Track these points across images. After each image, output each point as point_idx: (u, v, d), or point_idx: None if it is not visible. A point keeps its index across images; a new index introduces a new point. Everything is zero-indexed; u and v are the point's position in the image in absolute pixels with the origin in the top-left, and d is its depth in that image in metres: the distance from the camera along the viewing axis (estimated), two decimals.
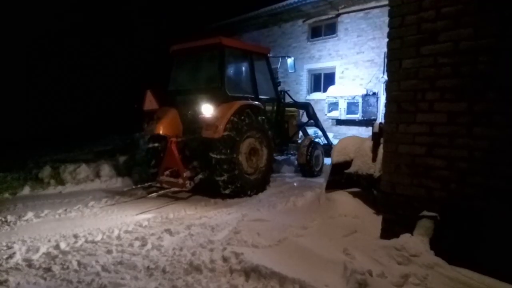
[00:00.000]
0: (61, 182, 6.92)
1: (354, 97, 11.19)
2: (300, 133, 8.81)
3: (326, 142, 9.10)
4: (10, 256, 3.48)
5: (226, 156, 5.69)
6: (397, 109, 3.15)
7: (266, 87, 7.25)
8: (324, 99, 12.23)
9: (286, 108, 8.14)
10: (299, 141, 8.37)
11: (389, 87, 3.23)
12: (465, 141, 2.74)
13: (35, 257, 3.49)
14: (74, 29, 16.36)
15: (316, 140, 8.76)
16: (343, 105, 11.46)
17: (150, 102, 6.77)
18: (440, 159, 2.88)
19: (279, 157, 8.35)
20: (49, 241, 3.96)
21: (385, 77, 3.70)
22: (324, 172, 7.88)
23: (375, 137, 4.16)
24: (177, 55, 7.04)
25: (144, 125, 6.74)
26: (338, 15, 12.23)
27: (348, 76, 12.20)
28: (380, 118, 10.31)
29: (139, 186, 6.43)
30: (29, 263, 3.37)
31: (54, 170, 7.29)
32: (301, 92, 13.90)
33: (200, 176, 5.99)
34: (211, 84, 6.31)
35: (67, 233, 4.21)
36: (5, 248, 3.74)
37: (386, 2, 3.33)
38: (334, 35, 12.54)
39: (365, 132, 10.62)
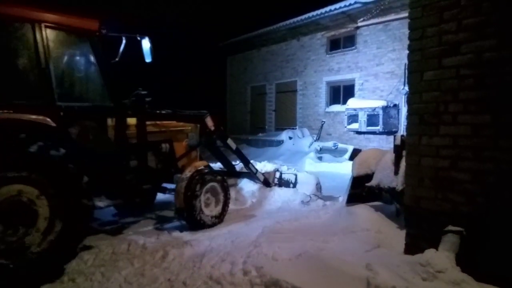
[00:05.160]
0: None
1: (375, 109, 11.07)
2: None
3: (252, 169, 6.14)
4: None
5: None
6: (419, 121, 3.11)
7: (87, 86, 4.56)
8: (344, 112, 12.16)
9: (170, 122, 5.51)
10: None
11: (411, 99, 3.21)
12: (491, 154, 2.67)
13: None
14: None
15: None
16: (363, 117, 11.35)
17: None
18: (465, 172, 2.82)
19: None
20: None
21: (406, 88, 3.66)
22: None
23: (397, 149, 4.09)
24: None
25: None
26: (357, 28, 12.23)
27: (367, 88, 12.11)
28: (402, 130, 10.15)
29: None
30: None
31: None
32: (320, 104, 13.87)
33: None
34: None
35: None
36: None
37: (406, 15, 3.33)
38: (353, 47, 12.52)
39: (386, 144, 10.47)
